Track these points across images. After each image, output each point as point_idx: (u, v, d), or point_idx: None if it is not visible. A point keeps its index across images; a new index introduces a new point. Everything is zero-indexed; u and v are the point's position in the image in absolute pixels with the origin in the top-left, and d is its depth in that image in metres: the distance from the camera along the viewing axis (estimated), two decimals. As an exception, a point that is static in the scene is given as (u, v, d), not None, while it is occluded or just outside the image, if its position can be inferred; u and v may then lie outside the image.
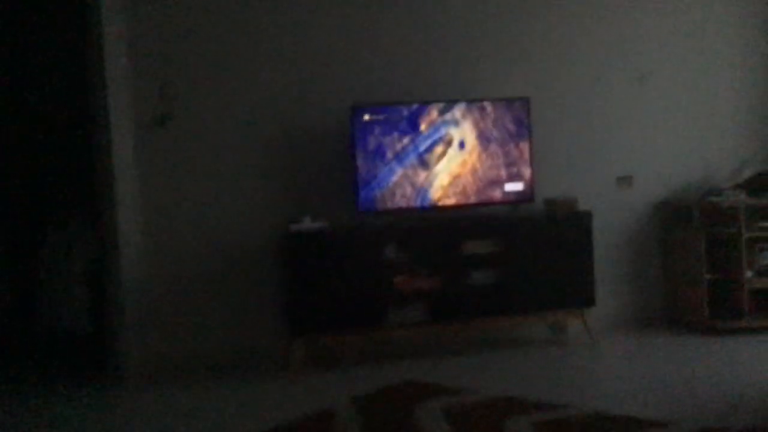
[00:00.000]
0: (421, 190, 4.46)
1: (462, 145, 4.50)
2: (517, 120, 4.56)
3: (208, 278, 4.50)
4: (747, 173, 4.94)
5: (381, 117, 4.41)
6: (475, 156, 4.52)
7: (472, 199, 4.53)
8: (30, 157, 5.67)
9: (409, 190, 4.45)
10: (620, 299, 5.01)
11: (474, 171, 4.52)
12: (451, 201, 4.51)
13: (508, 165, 4.55)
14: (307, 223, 4.30)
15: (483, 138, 4.52)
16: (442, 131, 4.49)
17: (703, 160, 5.09)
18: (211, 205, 4.50)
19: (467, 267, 4.39)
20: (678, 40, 5.08)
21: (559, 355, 4.46)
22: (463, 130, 4.50)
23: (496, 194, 4.55)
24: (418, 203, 4.47)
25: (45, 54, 5.65)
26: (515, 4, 4.86)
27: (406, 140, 4.44)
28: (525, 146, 4.56)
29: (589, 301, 4.54)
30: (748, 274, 4.67)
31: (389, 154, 4.42)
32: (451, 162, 4.49)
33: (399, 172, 4.43)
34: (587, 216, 4.53)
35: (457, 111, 4.49)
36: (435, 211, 4.52)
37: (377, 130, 4.40)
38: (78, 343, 4.99)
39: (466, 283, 4.38)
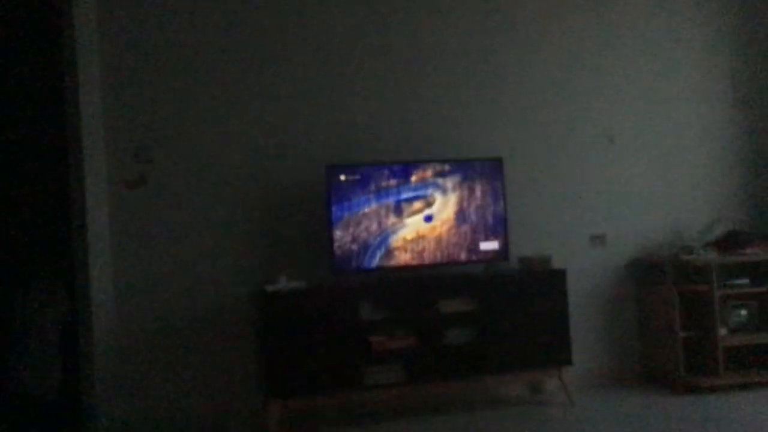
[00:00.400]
0: (398, 249, 4.48)
1: (437, 203, 4.55)
2: (491, 179, 4.62)
3: (182, 340, 4.45)
4: (717, 231, 5.03)
5: (356, 177, 4.46)
6: (449, 215, 4.56)
7: (448, 258, 4.56)
8: (2, 215, 5.62)
9: (384, 248, 4.47)
10: (597, 357, 5.03)
11: (449, 230, 4.56)
12: (426, 259, 4.53)
13: (483, 224, 4.60)
14: (283, 283, 4.30)
15: (457, 197, 4.57)
16: (417, 191, 4.53)
17: (674, 218, 5.18)
18: (185, 266, 4.48)
19: (443, 326, 4.39)
20: (646, 100, 5.22)
21: (537, 414, 4.43)
22: (438, 189, 4.55)
23: (472, 252, 4.58)
24: (394, 261, 4.48)
25: (21, 114, 5.66)
26: (487, 65, 4.98)
27: (381, 200, 4.47)
28: (499, 205, 4.61)
29: (566, 359, 4.55)
30: (722, 331, 4.71)
31: (365, 213, 4.44)
32: (426, 220, 4.53)
33: (374, 230, 4.46)
34: (561, 274, 4.57)
35: (431, 171, 4.55)
36: (411, 269, 4.53)
37: (353, 189, 4.44)
38: (49, 406, 4.88)
39: (442, 343, 4.37)
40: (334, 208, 4.40)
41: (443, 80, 4.90)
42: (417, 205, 4.53)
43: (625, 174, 5.16)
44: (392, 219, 4.49)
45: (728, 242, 4.91)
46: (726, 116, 5.36)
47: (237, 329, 4.51)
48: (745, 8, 5.44)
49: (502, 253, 4.61)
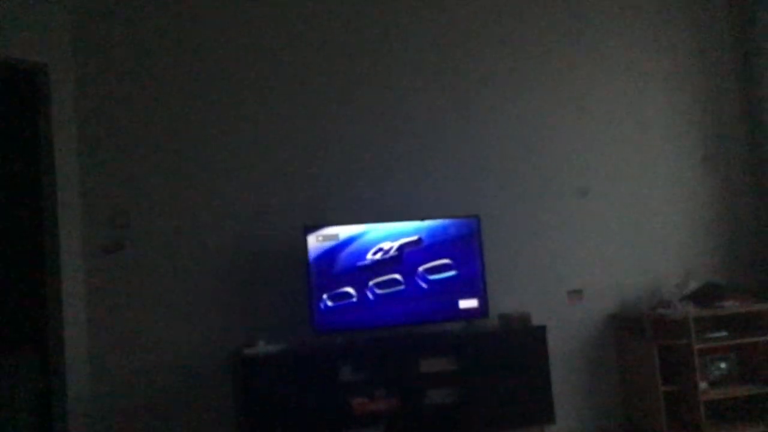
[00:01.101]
0: (376, 308, 4.46)
1: (415, 261, 4.55)
2: (468, 237, 4.64)
3: (159, 406, 4.37)
4: (693, 284, 5.06)
5: (335, 237, 4.45)
6: (428, 273, 4.56)
7: (427, 316, 4.54)
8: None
9: (363, 308, 4.44)
10: (579, 414, 5.00)
11: (428, 288, 4.55)
12: (406, 318, 4.50)
13: (462, 282, 4.60)
14: (262, 346, 4.25)
15: (436, 255, 4.58)
16: (395, 250, 4.53)
17: (650, 271, 5.22)
18: (162, 331, 4.42)
19: (425, 386, 4.34)
20: (619, 156, 5.31)
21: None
22: (416, 248, 4.56)
23: (451, 311, 4.57)
24: (373, 321, 4.45)
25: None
26: (464, 124, 5.05)
27: (360, 259, 4.47)
28: (477, 263, 4.63)
29: (549, 417, 4.51)
30: (703, 385, 4.71)
31: (343, 274, 4.43)
32: (404, 278, 4.52)
33: (353, 291, 4.44)
34: (541, 330, 4.56)
35: (410, 229, 4.56)
36: (390, 329, 4.50)
37: (331, 249, 4.43)
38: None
39: (423, 403, 4.32)
40: (312, 269, 4.38)
41: (420, 139, 4.96)
42: (395, 263, 4.52)
43: (601, 229, 5.22)
44: (371, 278, 4.47)
45: (705, 295, 4.94)
46: (698, 171, 5.45)
47: (215, 394, 4.43)
48: (715, 67, 5.58)
49: (482, 311, 4.61)
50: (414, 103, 4.98)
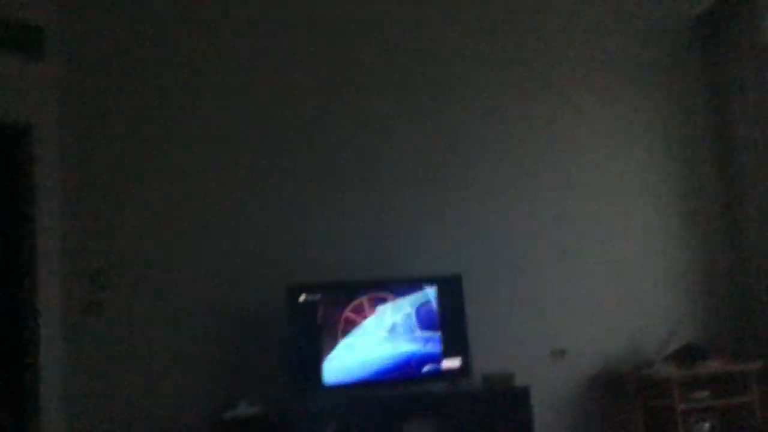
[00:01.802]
0: (358, 367, 4.42)
1: (397, 320, 4.53)
2: (450, 296, 4.64)
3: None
4: (674, 344, 5.07)
5: (316, 297, 4.43)
6: (410, 332, 4.54)
7: (409, 375, 4.50)
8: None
9: (346, 367, 4.40)
10: (563, 476, 4.94)
11: (410, 347, 4.53)
12: (389, 377, 4.46)
13: (444, 341, 4.58)
14: (243, 409, 4.18)
15: (418, 315, 4.57)
16: (378, 309, 4.52)
17: (632, 330, 5.23)
18: (141, 394, 4.34)
19: (407, 449, 4.29)
20: (598, 214, 5.36)
21: None
22: (398, 307, 4.55)
23: (433, 370, 4.54)
24: (355, 380, 4.41)
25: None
26: (444, 184, 5.09)
27: (342, 319, 4.44)
28: (459, 322, 4.61)
29: (533, 479, 4.45)
30: (686, 446, 4.69)
31: (326, 334, 4.40)
32: (386, 337, 4.50)
33: (336, 350, 4.40)
34: (525, 391, 4.53)
35: (391, 288, 4.56)
36: (374, 387, 4.45)
37: (313, 310, 4.41)
38: None
39: (407, 467, 4.27)
40: (294, 329, 4.35)
41: (401, 200, 4.99)
42: (377, 322, 4.50)
43: (581, 287, 5.23)
44: (353, 337, 4.44)
45: (686, 355, 4.94)
46: (677, 228, 5.51)
47: (194, 459, 4.35)
48: (693, 126, 5.69)
49: (464, 371, 4.58)
50: (396, 162, 5.02)
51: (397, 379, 4.49)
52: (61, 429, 4.18)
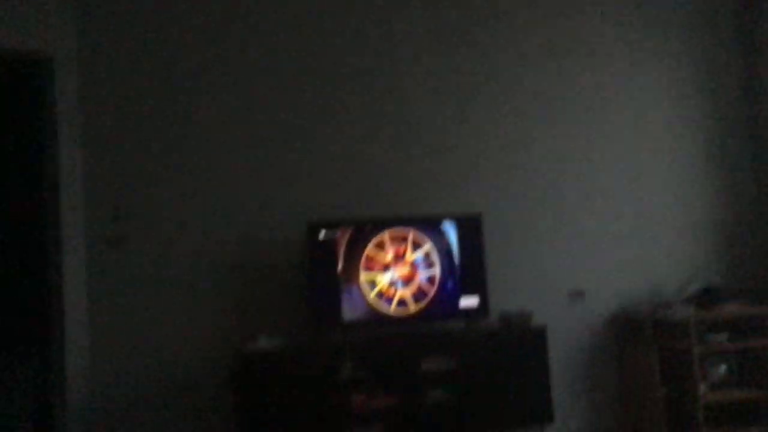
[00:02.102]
0: (377, 304, 4.46)
1: (416, 259, 4.55)
2: (470, 236, 4.64)
3: (159, 403, 4.36)
4: (694, 286, 5.06)
5: (336, 234, 4.45)
6: (429, 271, 4.56)
7: (427, 314, 4.54)
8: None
9: (364, 304, 4.44)
10: (578, 415, 5.00)
11: (429, 286, 4.55)
12: (406, 315, 4.50)
13: (463, 280, 4.60)
14: (262, 343, 4.24)
15: (437, 253, 4.58)
16: (397, 247, 4.53)
17: (652, 273, 5.22)
18: (163, 327, 4.42)
19: (425, 385, 4.34)
20: (621, 154, 5.30)
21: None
22: (417, 245, 4.56)
23: (451, 309, 4.57)
24: (374, 317, 4.45)
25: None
26: (468, 121, 5.04)
27: (360, 256, 4.46)
28: (478, 261, 4.62)
29: (548, 416, 4.51)
30: (702, 388, 4.71)
31: (345, 270, 4.43)
32: (406, 277, 4.52)
33: (354, 287, 4.43)
34: (542, 331, 4.56)
35: (412, 227, 4.56)
36: (391, 325, 4.50)
37: (333, 246, 4.42)
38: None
39: (423, 402, 4.32)
40: (314, 265, 4.38)
41: (423, 137, 4.95)
42: (396, 260, 4.52)
43: (603, 230, 5.21)
44: (371, 274, 4.47)
45: (706, 298, 4.94)
46: (702, 173, 5.45)
47: (214, 391, 4.43)
48: (719, 67, 5.58)
49: (482, 310, 4.61)
50: (419, 99, 4.97)
51: (415, 317, 4.53)
52: (85, 360, 4.27)
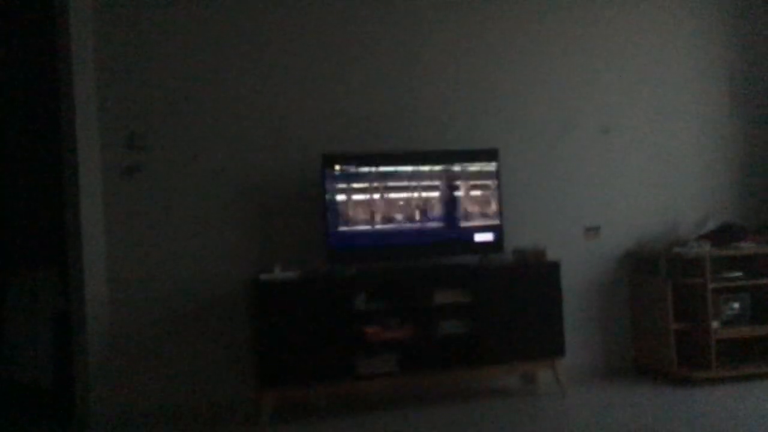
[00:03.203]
0: (392, 236, 4.48)
1: (432, 193, 4.54)
2: (486, 170, 4.62)
3: (175, 328, 4.46)
4: (711, 224, 5.04)
5: (351, 166, 4.44)
6: (444, 205, 4.56)
7: (442, 248, 4.56)
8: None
9: (379, 236, 4.46)
10: (590, 349, 5.05)
11: (443, 220, 4.56)
12: (421, 248, 4.53)
13: (478, 215, 4.60)
14: (278, 273, 4.29)
15: (452, 188, 4.57)
16: (412, 180, 4.53)
17: (669, 210, 5.19)
18: (179, 254, 4.47)
19: (438, 317, 4.39)
20: (642, 92, 5.23)
21: (530, 405, 4.45)
22: (433, 179, 4.55)
23: (466, 243, 4.58)
24: (389, 248, 4.48)
25: (14, 102, 5.62)
26: (484, 58, 4.97)
27: (375, 189, 4.47)
28: (494, 196, 4.62)
29: (559, 350, 4.56)
30: (715, 324, 4.72)
31: (359, 202, 4.44)
32: (420, 210, 4.53)
33: (369, 219, 4.45)
34: (556, 266, 4.57)
35: (427, 161, 4.54)
36: (406, 257, 4.53)
37: (348, 179, 4.43)
38: (42, 393, 4.88)
39: (436, 334, 4.38)
40: (329, 197, 4.39)
41: (440, 72, 4.89)
42: (412, 194, 4.52)
43: (621, 166, 5.17)
44: (386, 207, 4.48)
45: (722, 235, 4.92)
46: (722, 111, 5.36)
47: (231, 319, 4.51)
48: (742, 5, 5.43)
49: (497, 245, 4.62)
50: (435, 35, 4.90)
51: (430, 250, 4.55)
52: (102, 289, 4.35)
